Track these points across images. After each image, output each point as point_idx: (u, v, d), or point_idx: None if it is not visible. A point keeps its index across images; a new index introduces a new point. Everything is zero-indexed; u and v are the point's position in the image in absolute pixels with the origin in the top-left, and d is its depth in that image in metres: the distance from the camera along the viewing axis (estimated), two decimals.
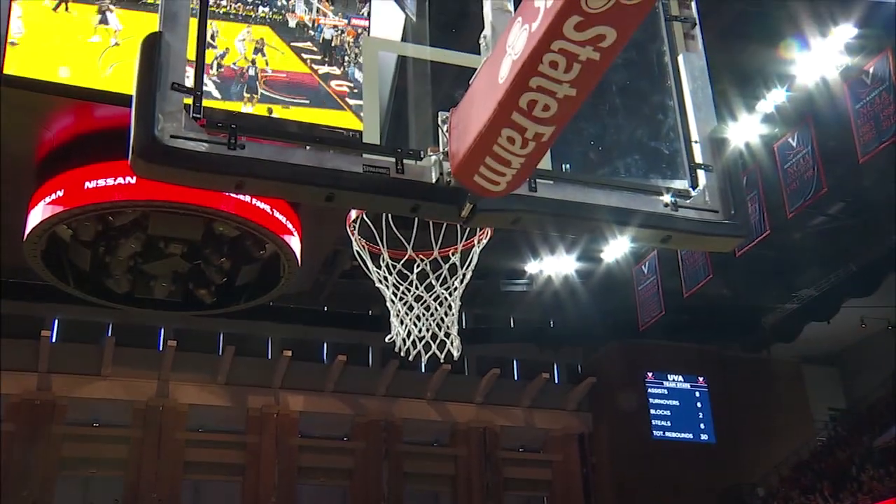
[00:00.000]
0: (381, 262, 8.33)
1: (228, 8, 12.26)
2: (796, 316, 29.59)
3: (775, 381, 33.12)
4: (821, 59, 19.69)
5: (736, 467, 30.95)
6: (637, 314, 27.19)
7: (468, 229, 8.16)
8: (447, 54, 4.31)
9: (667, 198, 3.99)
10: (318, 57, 12.96)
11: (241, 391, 29.69)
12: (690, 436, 32.31)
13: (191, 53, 3.64)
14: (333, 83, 12.65)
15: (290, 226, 18.40)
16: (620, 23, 2.93)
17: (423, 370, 31.60)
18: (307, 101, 12.55)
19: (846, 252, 26.94)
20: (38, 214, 17.38)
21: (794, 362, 33.94)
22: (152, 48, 3.49)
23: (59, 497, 26.99)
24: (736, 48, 19.68)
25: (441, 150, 3.73)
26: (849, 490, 25.73)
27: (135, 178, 16.15)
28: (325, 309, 30.86)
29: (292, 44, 12.59)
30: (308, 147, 3.75)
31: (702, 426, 32.59)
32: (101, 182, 16.89)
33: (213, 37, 3.41)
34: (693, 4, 4.35)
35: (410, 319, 8.50)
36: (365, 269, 8.59)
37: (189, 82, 3.56)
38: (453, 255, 8.44)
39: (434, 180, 3.72)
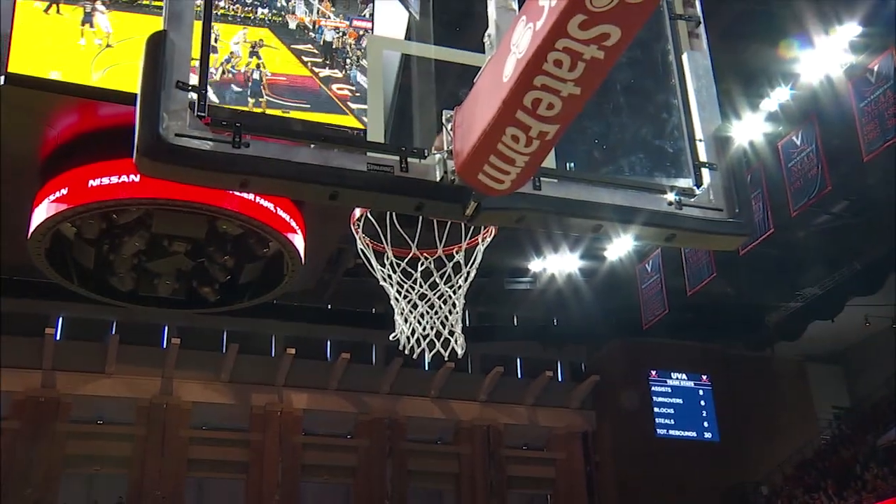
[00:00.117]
0: (386, 261, 8.34)
1: (226, 9, 12.12)
2: (800, 314, 29.55)
3: (779, 379, 33.07)
4: (825, 57, 19.66)
5: (740, 466, 30.92)
6: (640, 312, 27.16)
7: (472, 227, 8.16)
8: (451, 53, 4.31)
9: (671, 196, 3.99)
10: (319, 60, 12.74)
11: (245, 389, 29.72)
12: (694, 434, 32.29)
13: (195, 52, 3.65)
14: (335, 87, 12.46)
15: (293, 224, 18.41)
16: (625, 21, 2.93)
17: (426, 368, 31.63)
18: (308, 106, 12.38)
19: (850, 250, 26.90)
20: (42, 212, 17.41)
21: (798, 361, 33.90)
22: (157, 47, 3.50)
23: (64, 494, 27.06)
24: (740, 47, 19.66)
25: (445, 148, 3.73)
26: (853, 489, 25.70)
27: (139, 176, 16.17)
28: (329, 307, 30.88)
29: (292, 46, 12.38)
30: (312, 145, 3.75)
31: (705, 424, 32.56)
32: (105, 180, 16.92)
33: (215, 39, 3.41)
34: (697, 3, 4.35)
35: (414, 317, 8.51)
36: (369, 267, 8.60)
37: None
38: (457, 253, 8.44)
39: (438, 179, 3.72)
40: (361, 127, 4.04)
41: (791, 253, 26.72)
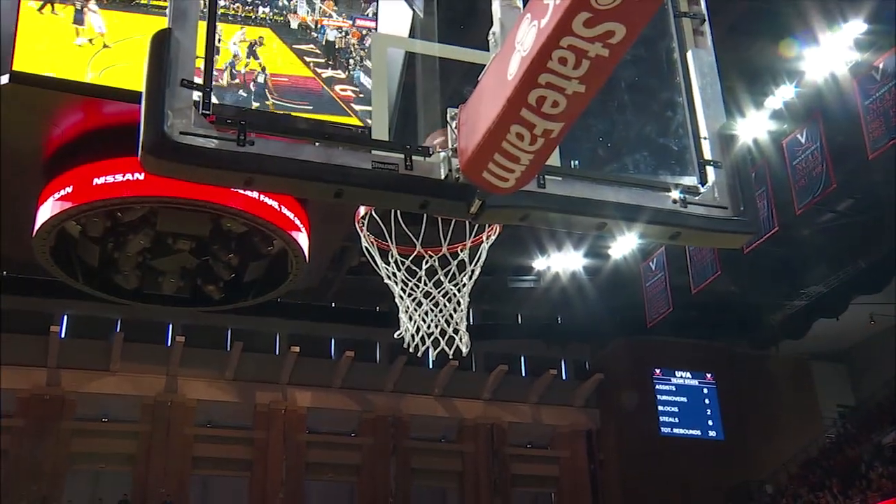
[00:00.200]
0: (390, 259, 8.34)
1: (227, 8, 11.93)
2: (805, 313, 29.50)
3: (784, 378, 33.03)
4: (830, 54, 19.61)
5: (744, 464, 30.89)
6: (645, 311, 27.15)
7: (477, 225, 8.15)
8: (456, 51, 4.30)
9: (676, 194, 3.99)
10: (322, 60, 12.48)
11: (249, 387, 29.76)
12: (698, 432, 32.26)
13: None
14: (338, 87, 12.20)
15: (297, 222, 18.42)
16: (630, 19, 2.92)
17: (430, 366, 31.65)
18: (310, 107, 12.13)
19: (855, 249, 26.83)
20: (47, 210, 17.44)
21: (802, 359, 33.83)
22: (162, 45, 3.50)
23: (69, 492, 27.13)
24: (745, 45, 19.62)
25: (450, 146, 3.73)
26: (858, 487, 25.65)
27: (143, 174, 16.20)
28: (333, 305, 30.91)
29: (294, 46, 12.12)
30: (317, 143, 3.75)
31: (710, 423, 32.53)
32: (110, 178, 16.95)
33: (217, 40, 3.41)
34: (702, 1, 4.34)
35: (419, 315, 8.50)
36: (374, 265, 8.60)
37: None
38: (462, 251, 8.44)
39: (443, 177, 3.72)
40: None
41: (796, 251, 26.68)
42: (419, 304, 8.54)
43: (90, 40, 15.54)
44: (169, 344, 29.46)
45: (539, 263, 29.18)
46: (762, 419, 31.81)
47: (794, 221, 23.08)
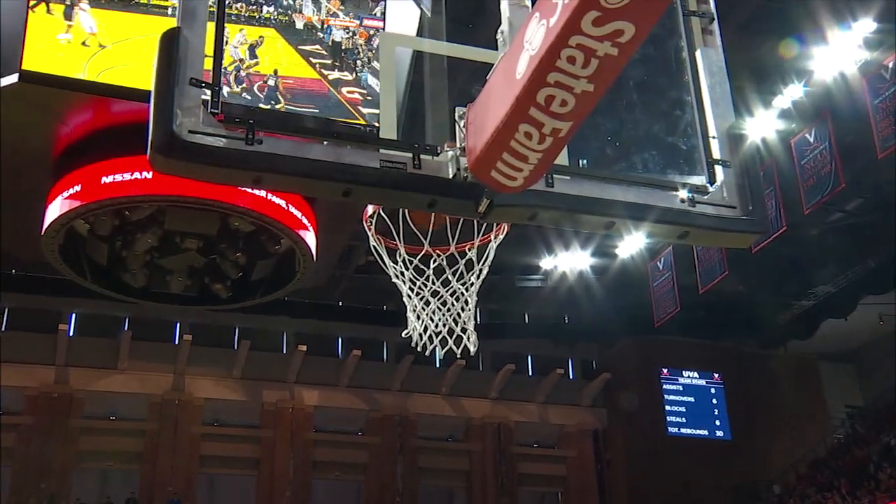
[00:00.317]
0: (398, 258, 8.34)
1: (230, 8, 11.75)
2: (813, 313, 29.39)
3: (791, 378, 32.95)
4: (839, 53, 19.53)
5: (752, 464, 30.82)
6: (652, 310, 27.10)
7: (485, 224, 8.15)
8: (464, 50, 4.30)
9: (684, 193, 3.98)
10: (328, 61, 12.17)
11: (256, 385, 29.82)
12: (706, 432, 32.20)
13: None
14: (345, 90, 11.90)
15: (305, 221, 18.45)
16: (639, 18, 2.91)
17: (437, 365, 31.66)
18: (316, 111, 11.93)
19: (863, 248, 26.72)
20: (55, 209, 17.50)
21: (810, 359, 33.72)
22: (171, 44, 3.50)
23: (77, 490, 27.21)
24: (754, 44, 19.56)
25: (458, 145, 3.73)
26: (866, 488, 25.58)
27: (151, 173, 16.23)
28: (340, 304, 30.95)
29: (299, 47, 11.81)
30: (325, 142, 3.75)
31: (717, 423, 32.47)
32: (118, 177, 17.00)
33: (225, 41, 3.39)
34: (711, 0, 4.33)
35: (427, 314, 8.50)
36: (382, 264, 8.60)
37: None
38: (469, 250, 8.43)
39: (451, 176, 3.72)
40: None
41: (804, 251, 26.58)
42: (427, 303, 8.54)
43: (84, 42, 15.44)
44: (176, 342, 29.54)
45: (546, 263, 29.16)
46: (770, 419, 31.74)
47: (803, 221, 23.00)
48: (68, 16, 15.39)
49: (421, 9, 5.45)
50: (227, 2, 3.82)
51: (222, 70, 3.62)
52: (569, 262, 28.79)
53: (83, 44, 15.58)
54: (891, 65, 18.55)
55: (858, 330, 30.32)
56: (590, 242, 27.56)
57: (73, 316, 29.06)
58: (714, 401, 32.83)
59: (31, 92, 15.54)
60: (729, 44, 4.36)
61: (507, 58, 3.50)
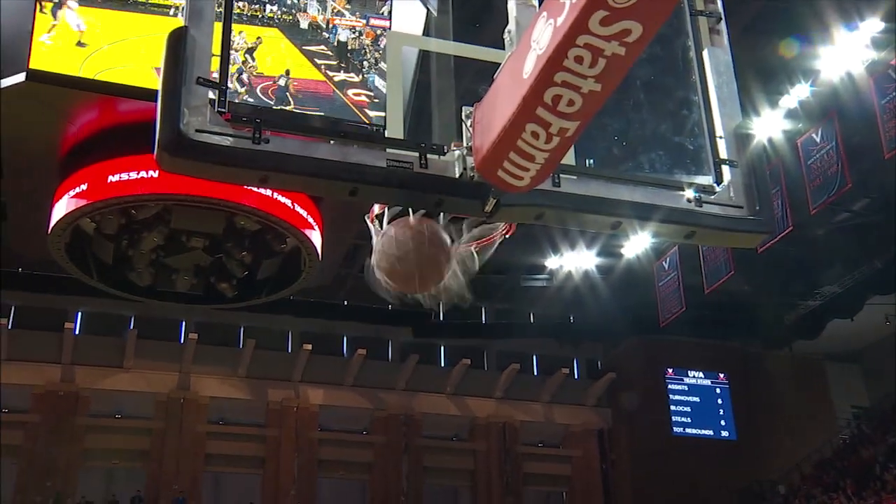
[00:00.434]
0: None
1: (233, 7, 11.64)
2: (819, 313, 29.32)
3: (797, 378, 32.85)
4: (846, 53, 19.47)
5: (756, 464, 30.76)
6: (658, 310, 27.05)
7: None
8: (471, 49, 4.30)
9: (691, 193, 3.98)
10: (333, 62, 11.95)
11: (262, 384, 29.85)
12: (711, 432, 32.16)
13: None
14: (351, 92, 11.62)
15: (311, 220, 18.46)
16: (646, 17, 2.91)
17: (442, 365, 31.69)
18: (321, 114, 11.76)
19: (870, 249, 26.64)
20: (62, 208, 17.54)
21: (816, 359, 33.64)
22: (178, 43, 3.51)
23: (83, 488, 27.27)
24: (760, 44, 19.52)
25: (465, 144, 3.73)
26: (872, 489, 25.51)
27: (157, 171, 16.25)
28: (346, 303, 30.96)
29: (304, 48, 11.56)
30: (332, 141, 3.76)
31: (722, 423, 32.42)
32: (125, 176, 17.03)
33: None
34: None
35: None
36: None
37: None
38: (476, 249, 8.40)
39: (458, 175, 3.72)
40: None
41: (810, 251, 26.51)
42: None
43: (79, 43, 15.33)
44: (182, 341, 29.58)
45: (552, 262, 29.13)
46: (775, 419, 31.67)
47: (809, 221, 22.95)
48: (55, 14, 15.32)
49: (427, 8, 5.45)
50: (233, 1, 3.82)
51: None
52: (574, 261, 28.77)
53: (79, 44, 15.45)
54: None
55: (864, 330, 30.23)
56: (595, 242, 27.53)
57: (80, 314, 29.12)
58: (719, 401, 32.79)
59: (38, 91, 15.56)
60: (735, 44, 4.36)
61: (514, 57, 3.50)
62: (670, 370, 32.57)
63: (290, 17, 11.67)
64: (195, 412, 28.91)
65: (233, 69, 3.63)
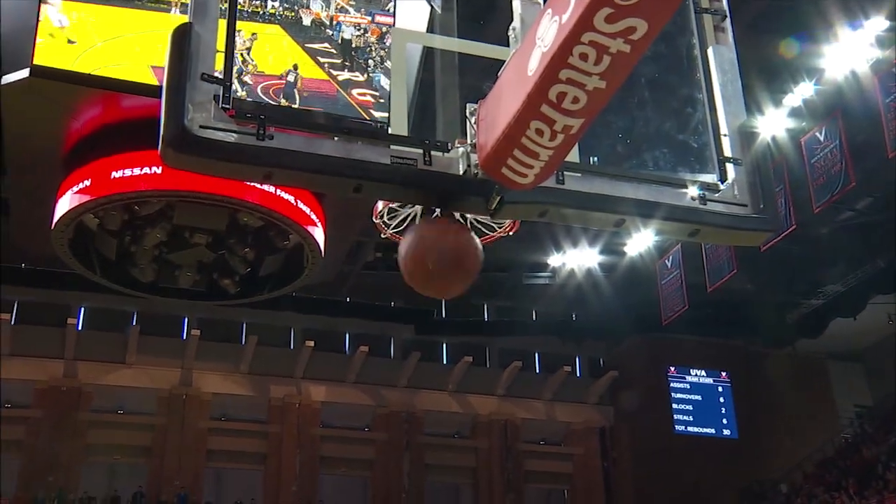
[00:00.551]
0: None
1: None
2: (822, 312, 29.30)
3: (800, 376, 32.84)
4: (850, 52, 19.43)
5: (758, 463, 30.77)
6: (660, 308, 27.05)
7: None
8: (475, 46, 4.29)
9: (695, 191, 3.96)
10: (337, 61, 11.50)
11: (264, 380, 29.89)
12: (712, 431, 32.17)
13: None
14: (355, 91, 11.20)
15: (314, 217, 18.47)
16: (651, 15, 2.90)
17: (444, 362, 31.71)
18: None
19: (873, 248, 26.61)
20: (65, 204, 17.56)
21: (819, 358, 33.63)
22: (182, 39, 3.51)
23: (85, 484, 27.33)
24: (764, 42, 19.48)
25: (469, 141, 3.72)
26: (874, 488, 25.50)
27: (161, 167, 16.26)
28: (348, 300, 31.00)
29: (306, 45, 11.12)
30: (336, 138, 3.75)
31: (724, 421, 32.43)
32: (128, 172, 17.04)
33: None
34: None
35: None
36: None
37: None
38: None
39: (462, 172, 3.71)
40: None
41: (813, 250, 26.49)
42: None
43: (69, 40, 15.16)
44: (184, 337, 29.64)
45: (555, 260, 29.13)
46: (777, 418, 31.67)
47: (812, 220, 22.93)
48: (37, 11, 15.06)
49: (431, 5, 5.44)
50: None
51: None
52: (577, 259, 28.76)
53: (69, 42, 15.23)
54: None
55: (867, 329, 30.21)
56: (598, 240, 27.54)
57: (82, 310, 29.17)
58: (721, 399, 32.79)
59: (42, 87, 15.55)
60: (739, 42, 4.34)
61: (518, 54, 3.49)
62: (672, 368, 32.57)
63: (293, 14, 11.31)
64: (197, 408, 28.96)
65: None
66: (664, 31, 3.05)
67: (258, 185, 16.52)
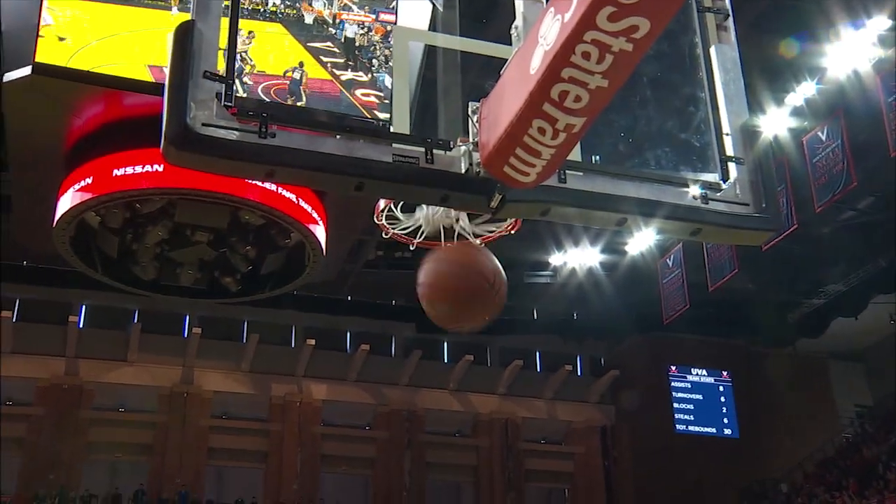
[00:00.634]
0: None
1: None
2: (823, 311, 29.28)
3: (800, 376, 32.81)
4: (853, 51, 19.39)
5: (759, 463, 30.75)
6: (661, 307, 27.03)
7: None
8: (477, 44, 4.29)
9: (697, 190, 3.96)
10: (340, 60, 11.19)
11: (265, 379, 29.89)
12: (713, 430, 32.14)
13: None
14: (359, 92, 10.85)
15: (315, 215, 18.47)
16: (654, 13, 2.90)
17: (445, 360, 31.69)
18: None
19: (875, 247, 26.56)
20: (67, 201, 17.57)
21: (820, 358, 33.59)
22: (185, 36, 3.51)
23: (86, 482, 27.32)
24: (766, 41, 19.45)
25: (471, 140, 3.72)
26: (875, 488, 25.48)
27: (162, 165, 16.26)
28: (349, 298, 30.97)
29: (308, 44, 10.82)
30: (338, 136, 3.75)
31: (725, 420, 32.40)
32: (130, 170, 17.05)
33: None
34: None
35: None
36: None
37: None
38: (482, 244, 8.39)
39: (464, 170, 3.71)
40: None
41: (815, 249, 26.45)
42: None
43: (60, 38, 15.00)
44: (186, 335, 29.63)
45: (556, 259, 29.10)
46: (778, 418, 31.64)
47: (814, 219, 22.89)
48: None
49: (433, 4, 5.43)
50: None
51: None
52: (578, 258, 28.74)
53: (60, 39, 15.04)
54: None
55: (869, 329, 30.19)
56: (599, 239, 27.51)
57: (84, 308, 29.16)
58: (722, 399, 32.76)
59: (44, 84, 15.55)
60: (741, 41, 4.34)
61: (521, 53, 3.49)
62: (673, 368, 32.55)
63: (294, 12, 11.02)
64: (198, 406, 28.95)
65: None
66: (667, 29, 3.05)
67: (259, 184, 16.52)
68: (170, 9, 14.96)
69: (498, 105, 3.52)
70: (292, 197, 17.89)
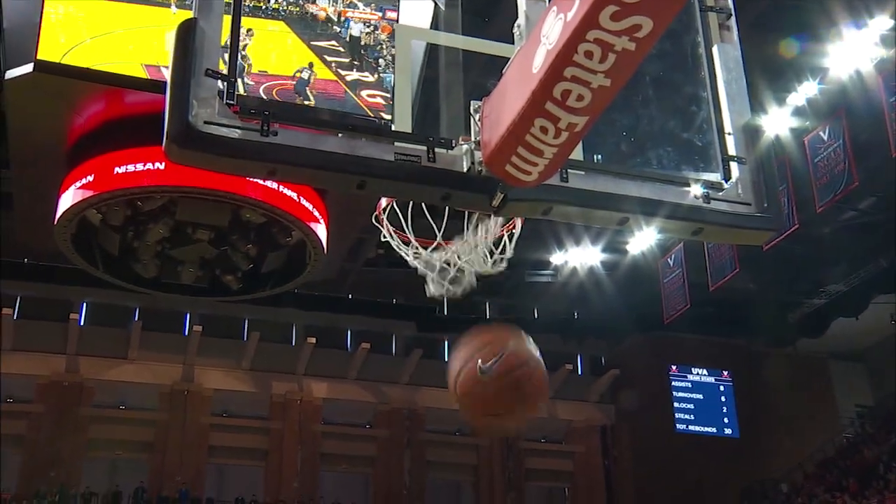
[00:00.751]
0: (410, 250, 8.33)
1: None
2: (824, 311, 29.28)
3: (801, 376, 32.81)
4: (855, 51, 19.38)
5: (759, 462, 30.75)
6: (662, 307, 27.03)
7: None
8: (480, 43, 4.29)
9: (699, 190, 3.96)
10: (346, 60, 10.93)
11: (266, 377, 29.91)
12: (714, 430, 32.15)
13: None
14: (364, 93, 10.45)
15: (316, 213, 18.47)
16: (657, 13, 2.90)
17: (446, 359, 31.59)
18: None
19: (876, 247, 26.56)
20: (68, 199, 17.58)
21: (820, 358, 33.60)
22: (187, 34, 3.51)
23: (87, 479, 27.35)
24: (768, 40, 19.44)
25: (473, 139, 3.72)
26: (875, 488, 25.48)
27: (164, 163, 16.27)
28: (350, 297, 30.99)
29: (312, 43, 10.47)
30: (340, 134, 3.75)
31: (725, 420, 32.41)
32: (131, 167, 17.05)
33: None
34: None
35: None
36: (396, 250, 8.55)
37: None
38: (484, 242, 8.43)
39: (465, 169, 3.71)
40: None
41: (816, 249, 26.45)
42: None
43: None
44: (186, 333, 29.66)
45: (557, 258, 29.11)
46: (778, 417, 31.64)
47: (815, 219, 22.89)
48: None
49: (435, 2, 5.44)
50: None
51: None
52: (579, 257, 28.74)
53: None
54: None
55: (869, 329, 30.19)
56: (600, 238, 27.51)
57: (85, 305, 29.19)
58: (723, 398, 32.77)
59: (46, 82, 15.55)
60: (743, 40, 4.34)
61: (523, 52, 3.49)
62: (674, 367, 32.55)
63: (297, 10, 10.71)
64: (199, 404, 28.98)
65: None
66: (669, 28, 3.04)
67: (261, 182, 16.52)
68: (166, 6, 14.90)
69: (500, 104, 3.52)
70: (293, 195, 17.89)
